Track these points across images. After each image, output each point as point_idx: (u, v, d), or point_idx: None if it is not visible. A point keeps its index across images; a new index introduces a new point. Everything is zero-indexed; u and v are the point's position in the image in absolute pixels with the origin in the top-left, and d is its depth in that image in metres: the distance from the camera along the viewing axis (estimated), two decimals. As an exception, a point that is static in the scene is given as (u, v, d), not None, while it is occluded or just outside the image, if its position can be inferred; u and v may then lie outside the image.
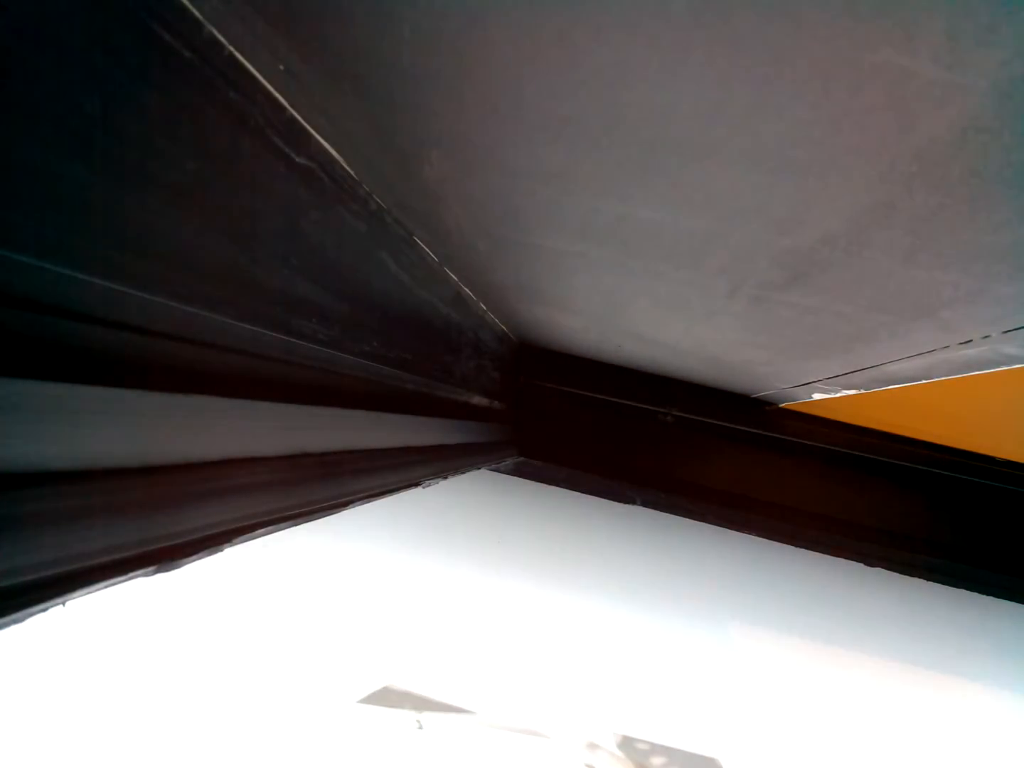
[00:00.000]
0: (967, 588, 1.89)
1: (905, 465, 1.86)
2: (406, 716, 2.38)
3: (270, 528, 0.66)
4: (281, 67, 0.54)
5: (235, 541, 0.60)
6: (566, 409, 1.93)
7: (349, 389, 0.85)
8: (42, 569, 0.40)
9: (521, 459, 1.91)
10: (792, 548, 1.92)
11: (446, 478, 1.22)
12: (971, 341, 0.78)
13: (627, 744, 2.29)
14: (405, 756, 2.47)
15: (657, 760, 2.28)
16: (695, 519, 1.94)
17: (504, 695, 2.31)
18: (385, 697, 2.35)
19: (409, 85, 0.53)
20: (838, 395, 1.35)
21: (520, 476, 1.99)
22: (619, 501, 1.96)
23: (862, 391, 1.25)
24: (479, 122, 0.56)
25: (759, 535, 1.93)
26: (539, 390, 1.93)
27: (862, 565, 1.90)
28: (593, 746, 2.33)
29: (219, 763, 2.43)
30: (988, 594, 1.88)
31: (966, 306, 0.68)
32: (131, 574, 0.48)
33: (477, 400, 1.51)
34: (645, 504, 1.94)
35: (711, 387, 1.86)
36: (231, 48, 0.51)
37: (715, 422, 1.89)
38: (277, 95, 0.58)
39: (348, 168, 0.72)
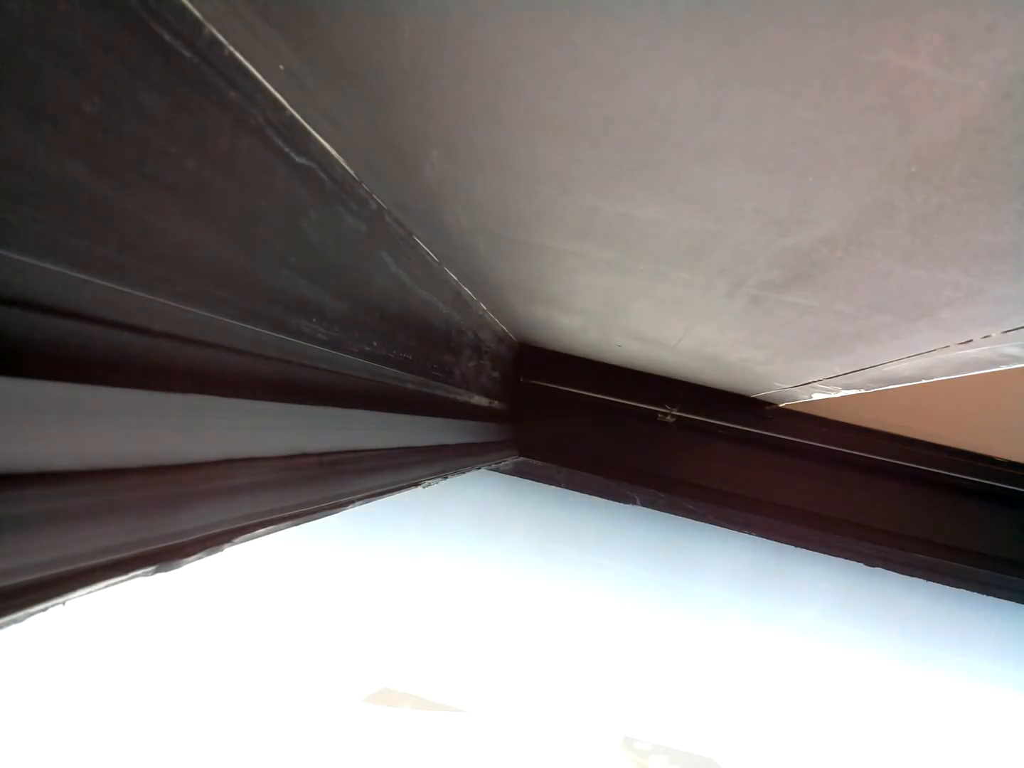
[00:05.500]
0: (967, 588, 1.89)
1: (905, 465, 1.86)
2: (406, 716, 2.38)
3: (270, 528, 0.66)
4: (281, 67, 0.54)
5: (235, 541, 0.60)
6: (566, 409, 1.93)
7: (349, 389, 0.85)
8: (42, 569, 0.40)
9: (521, 459, 1.91)
10: (792, 548, 1.92)
11: (446, 478, 1.22)
12: (971, 341, 0.78)
13: (627, 744, 2.29)
14: (405, 756, 2.47)
15: (657, 760, 2.28)
16: (695, 519, 1.94)
17: (504, 695, 2.31)
18: (385, 697, 2.35)
19: (409, 85, 0.53)
20: (838, 395, 1.35)
21: (520, 476, 1.99)
22: (619, 501, 1.96)
23: (862, 391, 1.25)
24: (479, 122, 0.56)
25: (759, 535, 1.93)
26: (539, 390, 1.93)
27: (862, 565, 1.90)
28: (593, 746, 2.33)
29: (221, 762, 2.43)
30: (988, 594, 1.88)
31: (966, 306, 0.68)
32: (131, 574, 0.48)
33: (477, 400, 1.51)
34: (645, 504, 1.94)
35: (711, 387, 1.86)
36: (231, 48, 0.51)
37: (715, 422, 1.89)
38: (277, 95, 0.58)
39: (348, 168, 0.72)
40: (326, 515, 0.77)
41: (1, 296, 0.38)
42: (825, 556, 1.92)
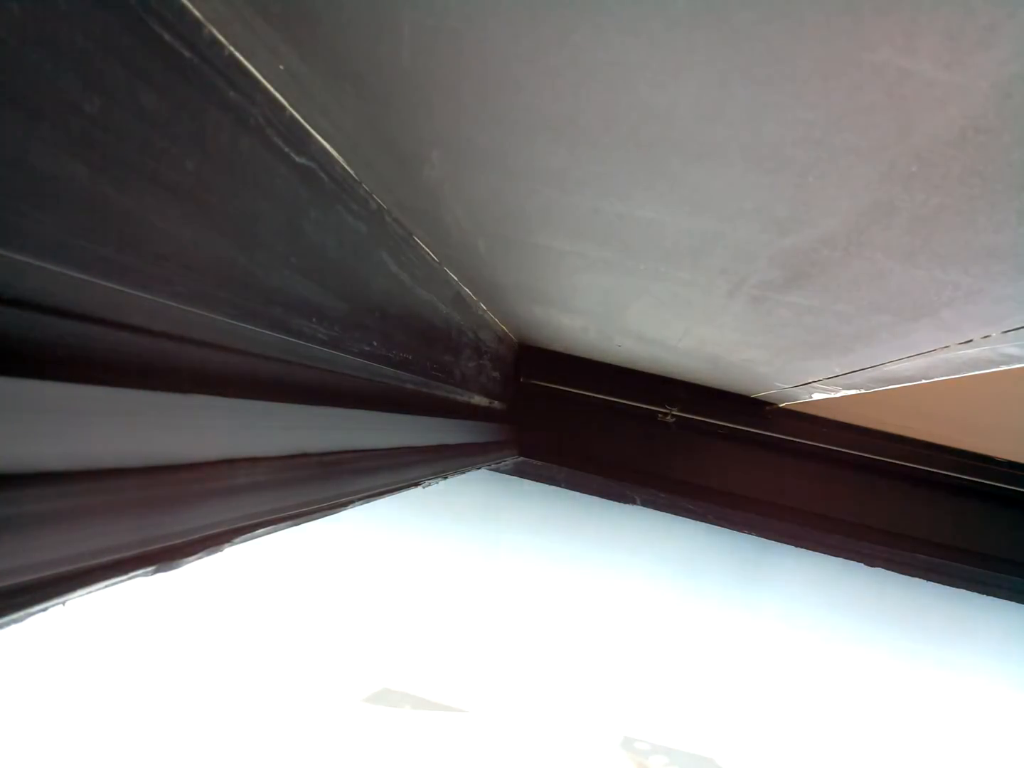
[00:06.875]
0: (967, 588, 1.89)
1: (905, 465, 1.86)
2: (406, 716, 2.38)
3: (270, 528, 0.66)
4: (281, 67, 0.54)
5: (235, 541, 0.60)
6: (566, 409, 1.93)
7: (349, 389, 0.85)
8: (42, 569, 0.40)
9: (521, 459, 1.91)
10: (792, 548, 1.92)
11: (446, 478, 1.22)
12: (971, 341, 0.78)
13: (627, 744, 2.29)
14: (405, 756, 2.46)
15: (657, 760, 2.28)
16: (695, 519, 1.94)
17: (504, 695, 2.31)
18: (385, 697, 2.35)
19: (409, 85, 0.53)
20: (838, 395, 1.35)
21: (520, 476, 1.99)
22: (619, 501, 1.96)
23: (862, 391, 1.25)
24: (479, 122, 0.56)
25: (759, 535, 1.93)
26: (539, 390, 1.93)
27: (862, 565, 1.90)
28: (593, 746, 2.33)
29: (221, 762, 2.43)
30: (988, 594, 1.88)
31: (966, 306, 0.68)
32: (131, 574, 0.48)
33: (477, 400, 1.51)
34: (645, 504, 1.94)
35: (711, 387, 1.86)
36: (231, 48, 0.51)
37: (715, 422, 1.89)
38: (277, 95, 0.58)
39: (348, 168, 0.72)
40: (326, 515, 0.77)
41: (1, 296, 0.38)
42: (825, 556, 1.92)
